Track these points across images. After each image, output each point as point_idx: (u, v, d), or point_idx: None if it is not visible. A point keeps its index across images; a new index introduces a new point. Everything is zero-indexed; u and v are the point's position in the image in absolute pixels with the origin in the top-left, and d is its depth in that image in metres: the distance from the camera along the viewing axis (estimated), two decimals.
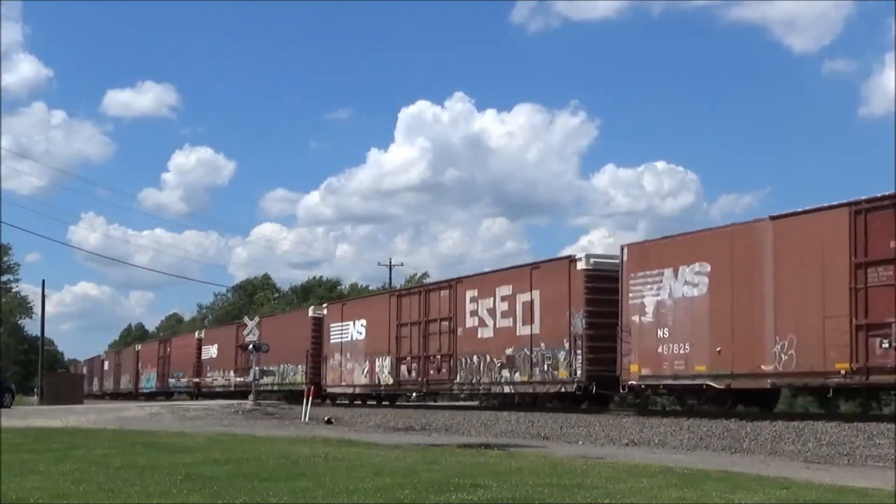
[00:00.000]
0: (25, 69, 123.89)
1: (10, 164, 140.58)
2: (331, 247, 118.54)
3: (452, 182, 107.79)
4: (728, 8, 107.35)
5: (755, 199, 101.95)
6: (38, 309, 66.22)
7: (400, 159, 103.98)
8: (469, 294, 25.37)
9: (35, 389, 54.67)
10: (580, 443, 15.50)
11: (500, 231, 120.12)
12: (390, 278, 65.16)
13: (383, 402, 32.26)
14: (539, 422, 18.59)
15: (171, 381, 49.93)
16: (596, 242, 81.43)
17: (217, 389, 41.74)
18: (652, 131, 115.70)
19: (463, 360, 25.25)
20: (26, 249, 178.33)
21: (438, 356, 26.34)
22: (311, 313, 35.18)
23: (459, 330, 25.38)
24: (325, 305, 35.26)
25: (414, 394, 30.96)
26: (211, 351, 44.33)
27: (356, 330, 31.06)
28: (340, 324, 32.34)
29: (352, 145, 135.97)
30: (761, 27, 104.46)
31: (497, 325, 24.09)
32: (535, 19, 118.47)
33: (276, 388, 36.76)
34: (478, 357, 24.69)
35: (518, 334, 23.26)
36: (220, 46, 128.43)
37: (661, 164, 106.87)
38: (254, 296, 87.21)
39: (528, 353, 22.82)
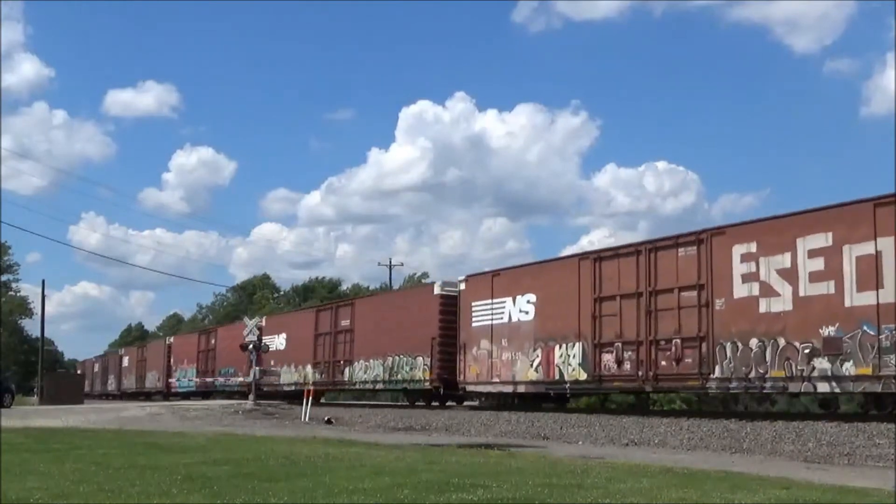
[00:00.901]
0: (27, 69, 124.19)
1: (11, 164, 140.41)
2: (331, 247, 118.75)
3: (453, 182, 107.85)
4: (730, 8, 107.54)
5: (756, 199, 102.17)
6: (38, 309, 66.26)
7: (401, 159, 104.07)
8: (739, 250, 17.78)
9: (35, 389, 54.70)
10: (580, 443, 15.50)
11: (501, 231, 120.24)
12: (390, 278, 65.22)
13: (568, 405, 24.38)
14: (539, 422, 18.58)
15: (219, 379, 42.07)
16: (596, 242, 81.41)
17: (286, 388, 34.62)
18: (653, 131, 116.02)
19: (727, 344, 17.71)
20: (27, 249, 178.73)
21: (677, 340, 18.59)
22: (437, 290, 26.71)
23: (718, 302, 17.96)
24: (462, 279, 25.90)
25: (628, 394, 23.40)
26: (277, 342, 36.36)
27: (519, 308, 23.21)
28: (490, 301, 24.18)
29: (352, 145, 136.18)
30: (763, 27, 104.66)
31: (802, 293, 16.54)
32: (537, 19, 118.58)
33: (378, 385, 29.74)
34: (759, 341, 17.13)
35: (849, 305, 15.75)
36: (221, 46, 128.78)
37: (661, 164, 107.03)
38: (253, 296, 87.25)
39: (872, 332, 15.31)
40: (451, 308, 25.77)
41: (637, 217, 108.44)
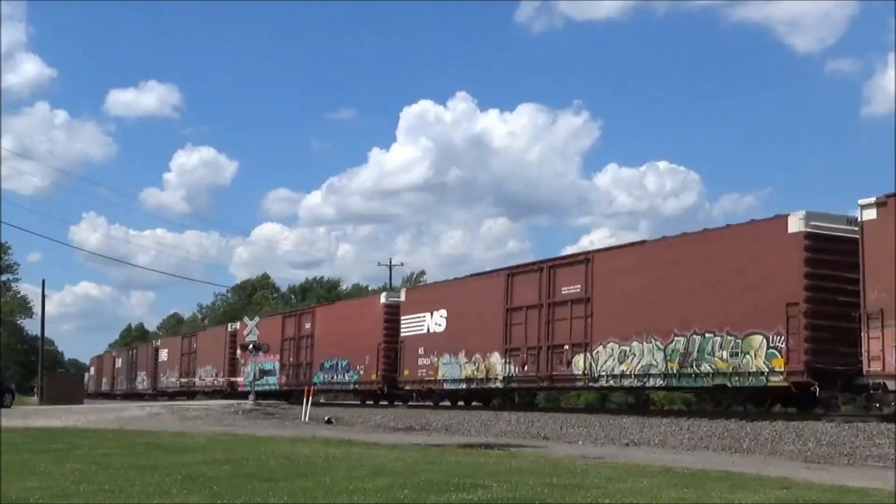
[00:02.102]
0: (29, 69, 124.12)
1: (12, 165, 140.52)
2: (332, 247, 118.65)
3: (454, 182, 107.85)
4: (731, 8, 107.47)
5: (757, 199, 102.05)
6: (38, 309, 66.09)
7: (402, 159, 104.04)
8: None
9: (35, 389, 54.65)
10: (580, 443, 15.50)
11: (501, 231, 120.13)
12: (390, 279, 65.15)
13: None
14: (539, 422, 18.59)
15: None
16: (597, 242, 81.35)
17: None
18: (654, 131, 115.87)
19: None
20: (27, 249, 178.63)
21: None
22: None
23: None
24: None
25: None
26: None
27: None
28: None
29: (353, 145, 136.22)
30: (765, 27, 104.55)
31: None
32: (539, 19, 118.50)
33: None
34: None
35: None
36: (222, 46, 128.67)
37: (663, 164, 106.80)
38: (253, 296, 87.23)
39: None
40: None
41: (638, 217, 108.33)
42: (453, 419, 20.72)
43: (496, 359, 23.74)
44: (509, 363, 23.25)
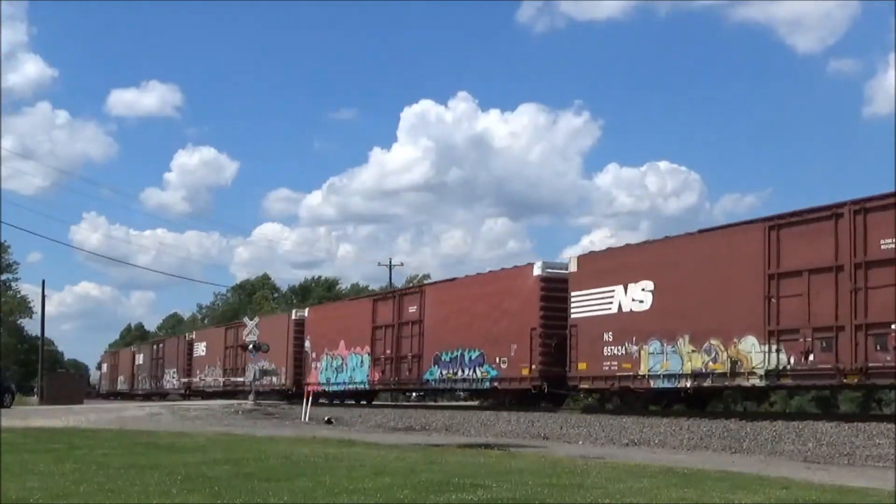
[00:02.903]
0: (30, 69, 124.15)
1: (13, 165, 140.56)
2: (333, 247, 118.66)
3: (455, 182, 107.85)
4: (733, 8, 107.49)
5: (758, 199, 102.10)
6: (38, 309, 66.02)
7: (403, 159, 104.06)
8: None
9: (35, 389, 54.61)
10: (580, 443, 15.50)
11: (502, 231, 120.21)
12: (390, 279, 65.17)
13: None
14: (539, 422, 18.58)
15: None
16: (597, 242, 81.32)
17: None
18: (655, 131, 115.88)
19: None
20: (28, 249, 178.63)
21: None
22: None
23: None
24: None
25: None
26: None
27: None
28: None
29: (354, 145, 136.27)
30: (766, 27, 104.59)
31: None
32: (541, 19, 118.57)
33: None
34: None
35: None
36: (224, 46, 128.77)
37: (664, 164, 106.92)
38: (253, 295, 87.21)
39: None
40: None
41: (639, 217, 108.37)
42: (453, 419, 20.72)
43: (750, 345, 16.92)
44: (777, 350, 16.38)
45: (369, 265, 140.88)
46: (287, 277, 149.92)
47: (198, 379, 44.09)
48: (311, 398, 24.59)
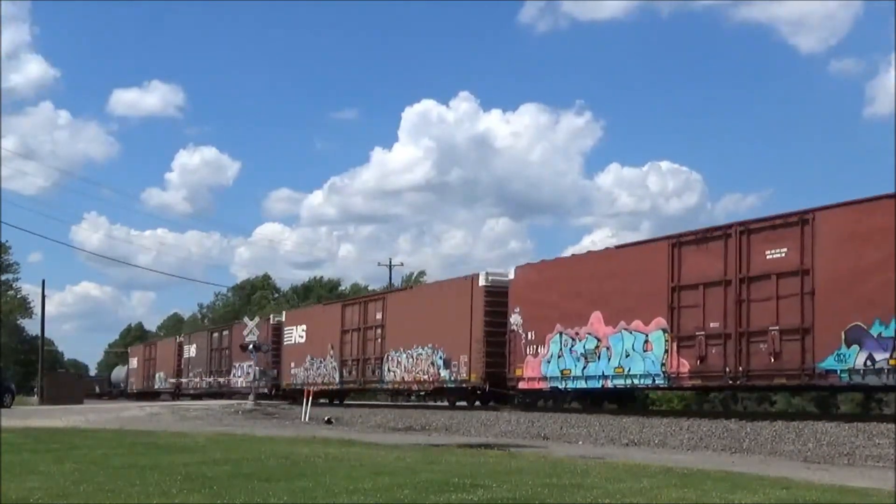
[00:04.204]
0: (33, 69, 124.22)
1: (14, 165, 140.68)
2: (334, 247, 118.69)
3: (456, 182, 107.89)
4: (735, 8, 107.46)
5: (758, 200, 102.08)
6: (38, 309, 65.93)
7: (404, 159, 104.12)
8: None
9: (35, 389, 54.58)
10: (580, 443, 15.50)
11: (503, 231, 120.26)
12: (390, 279, 65.20)
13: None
14: (539, 422, 18.57)
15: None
16: (598, 242, 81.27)
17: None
18: (657, 131, 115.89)
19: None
20: (28, 249, 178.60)
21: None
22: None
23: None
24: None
25: None
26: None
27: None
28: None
29: (356, 145, 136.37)
30: (768, 27, 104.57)
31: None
32: (544, 19, 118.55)
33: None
34: None
35: None
36: (226, 46, 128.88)
37: (665, 164, 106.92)
38: (252, 296, 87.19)
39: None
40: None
41: (640, 217, 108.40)
42: (453, 419, 20.71)
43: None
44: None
45: (370, 265, 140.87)
46: (288, 277, 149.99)
47: (299, 375, 33.04)
48: (310, 398, 24.60)
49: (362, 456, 11.36)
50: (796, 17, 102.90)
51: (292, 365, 33.67)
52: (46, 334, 68.46)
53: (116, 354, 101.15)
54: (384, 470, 9.43)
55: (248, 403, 28.07)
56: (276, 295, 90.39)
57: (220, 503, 7.12)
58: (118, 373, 67.88)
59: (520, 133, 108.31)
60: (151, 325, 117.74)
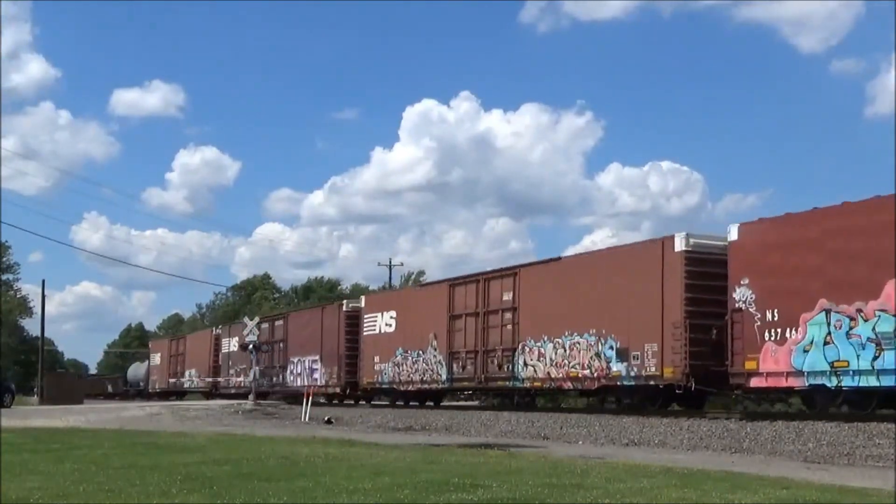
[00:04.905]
0: (34, 69, 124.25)
1: (15, 165, 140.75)
2: (334, 247, 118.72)
3: (457, 182, 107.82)
4: (737, 8, 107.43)
5: (759, 200, 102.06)
6: (38, 309, 65.87)
7: (405, 159, 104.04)
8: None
9: (35, 389, 54.52)
10: (580, 443, 15.49)
11: (503, 231, 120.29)
12: (390, 279, 65.21)
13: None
14: (539, 422, 18.57)
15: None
16: (599, 242, 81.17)
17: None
18: (657, 131, 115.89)
19: None
20: (29, 249, 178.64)
21: None
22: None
23: None
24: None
25: None
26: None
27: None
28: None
29: (356, 145, 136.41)
30: (770, 27, 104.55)
31: None
32: (545, 19, 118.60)
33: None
34: None
35: None
36: (226, 46, 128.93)
37: (666, 164, 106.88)
38: (252, 296, 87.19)
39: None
40: None
41: (641, 217, 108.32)
42: (453, 419, 20.71)
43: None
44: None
45: (370, 265, 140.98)
46: (288, 277, 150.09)
47: (386, 373, 29.07)
48: (311, 398, 24.58)
49: (362, 456, 11.36)
50: (797, 17, 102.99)
51: (376, 359, 28.65)
52: (46, 334, 68.47)
53: (118, 355, 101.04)
54: (384, 470, 9.43)
55: (248, 403, 28.06)
56: (277, 295, 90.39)
57: (220, 503, 7.12)
58: (135, 370, 63.43)
59: (520, 133, 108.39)
60: (151, 325, 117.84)
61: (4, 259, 76.33)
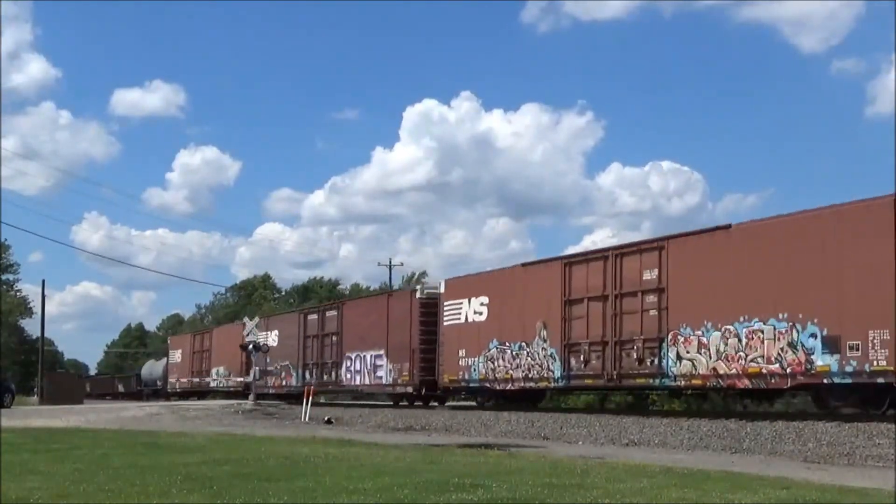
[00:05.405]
0: (35, 69, 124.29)
1: (14, 165, 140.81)
2: (334, 247, 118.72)
3: (457, 182, 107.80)
4: (738, 8, 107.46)
5: (759, 200, 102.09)
6: (38, 309, 65.85)
7: (405, 159, 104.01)
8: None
9: (35, 389, 54.52)
10: (580, 443, 15.50)
11: (504, 231, 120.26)
12: (390, 279, 65.21)
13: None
14: (539, 422, 18.57)
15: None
16: (599, 242, 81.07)
17: None
18: (658, 131, 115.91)
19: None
20: (29, 249, 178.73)
21: None
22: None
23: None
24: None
25: None
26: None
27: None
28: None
29: (357, 145, 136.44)
30: (770, 27, 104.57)
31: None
32: (546, 19, 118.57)
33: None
34: None
35: None
36: (227, 46, 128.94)
37: (666, 164, 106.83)
38: (252, 296, 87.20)
39: None
40: None
41: (641, 217, 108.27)
42: (453, 419, 20.71)
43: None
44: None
45: (371, 265, 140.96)
46: (288, 277, 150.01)
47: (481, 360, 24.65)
48: (311, 398, 24.57)
49: (362, 456, 11.37)
50: (797, 17, 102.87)
51: (461, 353, 24.19)
52: (46, 334, 68.47)
53: (118, 355, 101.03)
54: (384, 470, 9.43)
55: (248, 403, 28.05)
56: (276, 295, 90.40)
57: (220, 503, 7.12)
58: (151, 368, 57.96)
59: (521, 133, 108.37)
60: (151, 325, 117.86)
61: (4, 259, 76.32)
